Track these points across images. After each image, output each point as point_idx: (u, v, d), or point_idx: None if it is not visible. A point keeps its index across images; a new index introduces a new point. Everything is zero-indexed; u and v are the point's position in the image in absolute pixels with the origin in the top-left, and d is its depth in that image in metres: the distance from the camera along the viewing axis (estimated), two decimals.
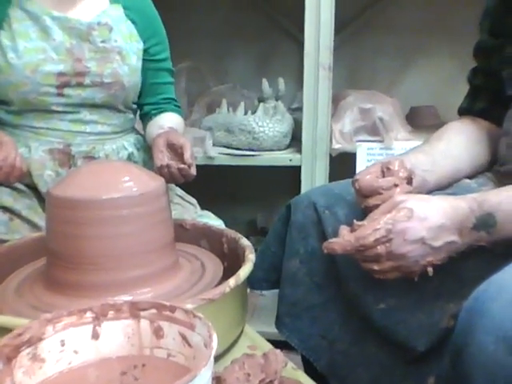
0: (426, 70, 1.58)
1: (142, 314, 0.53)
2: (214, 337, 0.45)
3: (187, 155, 0.87)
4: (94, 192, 0.68)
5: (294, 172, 1.25)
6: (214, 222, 0.99)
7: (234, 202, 1.47)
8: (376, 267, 0.61)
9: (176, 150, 0.90)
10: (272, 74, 1.40)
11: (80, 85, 0.95)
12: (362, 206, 0.68)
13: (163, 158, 0.90)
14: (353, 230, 0.62)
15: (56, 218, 0.71)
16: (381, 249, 0.59)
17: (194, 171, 0.89)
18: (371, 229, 0.59)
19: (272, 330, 0.84)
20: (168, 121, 1.04)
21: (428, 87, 1.59)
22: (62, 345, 0.51)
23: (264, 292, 1.46)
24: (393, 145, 1.22)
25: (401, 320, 0.68)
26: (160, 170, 0.89)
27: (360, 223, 0.62)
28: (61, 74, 0.93)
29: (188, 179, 0.90)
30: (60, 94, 0.94)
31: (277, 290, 1.42)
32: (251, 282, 0.81)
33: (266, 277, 0.86)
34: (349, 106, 1.23)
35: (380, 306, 0.70)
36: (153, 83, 1.07)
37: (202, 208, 1.10)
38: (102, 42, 0.96)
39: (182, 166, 0.88)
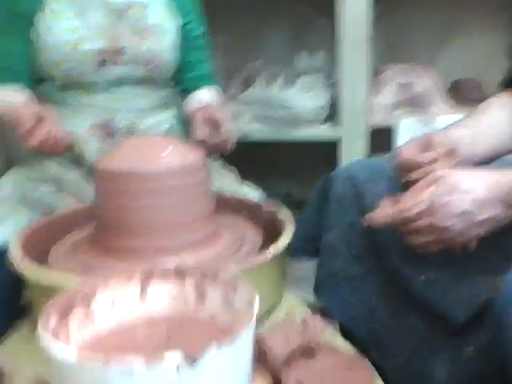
0: (468, 43, 1.53)
1: (187, 277, 0.55)
2: (256, 299, 0.47)
3: (225, 130, 0.89)
4: (136, 165, 0.71)
5: (332, 147, 1.25)
6: (253, 193, 1.01)
7: (270, 175, 1.47)
8: (418, 240, 0.61)
9: (214, 124, 0.92)
10: (310, 48, 1.39)
11: (119, 62, 0.97)
12: (403, 180, 0.68)
13: (201, 131, 0.91)
14: (395, 203, 0.62)
15: (102, 189, 0.74)
16: (424, 222, 0.59)
17: (230, 146, 0.90)
18: (414, 201, 0.59)
19: (310, 297, 0.85)
20: (206, 96, 1.05)
21: (470, 61, 1.53)
22: (112, 304, 0.53)
23: (301, 262, 1.47)
24: (434, 119, 1.19)
25: (441, 292, 0.68)
26: (198, 144, 0.91)
27: (402, 196, 0.62)
28: (100, 52, 0.95)
29: (224, 153, 0.92)
30: (100, 71, 0.97)
31: (314, 261, 1.44)
32: (291, 251, 0.82)
33: (304, 247, 0.87)
34: (388, 80, 1.21)
35: (420, 278, 0.70)
36: (190, 59, 1.08)
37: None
38: (139, 19, 0.97)
39: (220, 140, 0.89)
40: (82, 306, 0.51)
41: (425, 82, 1.19)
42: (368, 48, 1.14)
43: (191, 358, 0.38)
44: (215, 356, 0.39)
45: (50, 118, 0.86)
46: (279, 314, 0.74)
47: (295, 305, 0.79)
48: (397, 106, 1.19)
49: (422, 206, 0.59)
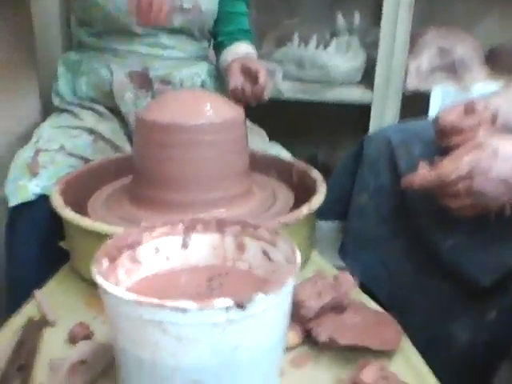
0: (508, 10, 1.47)
1: (227, 229, 0.57)
2: (298, 252, 0.49)
3: (262, 78, 0.89)
4: (180, 118, 0.72)
5: (363, 110, 1.24)
6: (283, 153, 1.02)
7: (297, 136, 1.47)
8: (454, 204, 0.62)
9: (250, 74, 0.92)
10: (346, 7, 1.35)
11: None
12: (443, 145, 0.68)
13: (238, 80, 0.92)
14: (432, 167, 0.63)
15: (143, 140, 0.75)
16: (462, 186, 0.60)
17: (267, 95, 0.90)
18: (454, 166, 0.60)
19: (331, 261, 0.86)
20: (243, 49, 1.05)
21: (509, 28, 1.48)
22: (157, 251, 0.56)
23: (323, 226, 1.49)
24: (470, 87, 1.17)
25: (468, 256, 0.70)
26: (234, 92, 0.92)
27: (441, 159, 0.62)
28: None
29: (261, 102, 0.92)
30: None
31: (334, 225, 1.45)
32: (317, 212, 0.84)
33: (332, 208, 0.88)
34: (427, 43, 1.18)
35: (448, 242, 0.71)
36: (228, 12, 1.08)
37: (269, 140, 1.13)
38: None
39: (256, 88, 0.89)
40: (129, 252, 0.54)
41: (465, 47, 1.16)
42: (410, 10, 1.11)
43: (241, 302, 0.40)
44: (262, 302, 0.42)
45: None
46: (308, 273, 0.76)
47: (323, 264, 0.82)
48: (434, 70, 1.17)
49: (462, 171, 0.59)
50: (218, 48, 1.11)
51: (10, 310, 0.85)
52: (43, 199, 0.82)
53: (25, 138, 0.95)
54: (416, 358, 0.59)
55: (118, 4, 0.94)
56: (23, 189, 0.82)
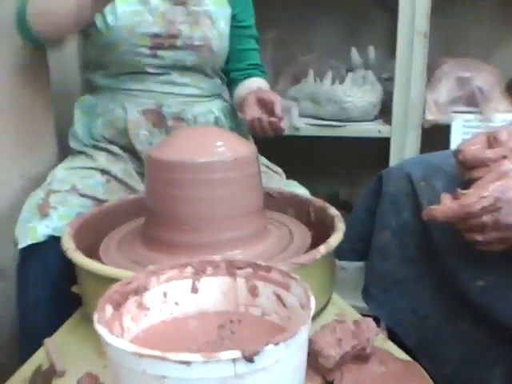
0: None
1: (238, 272, 0.54)
2: (312, 298, 0.46)
3: (278, 109, 0.89)
4: (189, 155, 0.71)
5: (382, 144, 1.21)
6: (300, 191, 0.99)
7: (316, 173, 1.45)
8: (480, 238, 0.58)
9: (266, 105, 0.93)
10: (361, 42, 1.35)
11: (172, 47, 0.98)
12: (466, 178, 0.64)
13: (254, 111, 0.91)
14: (455, 198, 0.59)
15: (154, 179, 0.74)
16: (487, 218, 0.56)
17: (284, 125, 0.90)
18: (478, 196, 0.56)
19: (354, 303, 0.83)
20: (256, 83, 1.06)
21: None
22: (165, 296, 0.54)
23: (346, 266, 1.45)
24: (493, 117, 1.13)
25: (500, 298, 0.65)
26: (251, 124, 0.91)
27: (464, 191, 0.58)
28: (155, 36, 0.96)
29: (278, 133, 0.92)
30: (153, 55, 0.98)
31: (359, 264, 1.40)
32: (337, 252, 0.80)
33: (353, 248, 0.85)
34: (445, 74, 1.16)
35: (478, 282, 0.66)
36: (239, 49, 1.09)
37: (287, 178, 1.11)
38: (194, 5, 0.99)
39: (273, 119, 0.89)
40: (135, 298, 0.51)
41: (484, 76, 1.14)
42: (426, 42, 1.09)
43: (249, 354, 0.37)
44: (272, 354, 0.38)
45: None
46: (329, 316, 0.72)
47: (344, 306, 0.77)
48: (453, 102, 1.14)
49: (486, 202, 0.55)
50: (231, 85, 1.12)
51: (21, 352, 0.83)
52: (54, 240, 0.81)
53: (41, 182, 0.95)
54: None
55: (133, 44, 0.95)
56: (32, 230, 0.82)
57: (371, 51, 1.22)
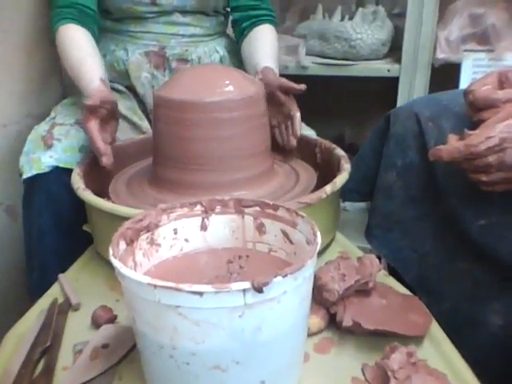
0: None
1: (246, 210, 0.55)
2: (318, 233, 0.47)
3: (297, 128, 0.86)
4: (197, 95, 0.70)
5: (390, 84, 1.19)
6: (307, 131, 0.99)
7: (322, 114, 1.43)
8: (484, 178, 0.58)
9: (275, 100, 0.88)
10: None
11: None
12: (475, 119, 0.63)
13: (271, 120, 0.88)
14: (462, 139, 0.59)
15: (162, 118, 0.74)
16: (492, 158, 0.56)
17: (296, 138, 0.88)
18: (484, 136, 0.56)
19: (355, 243, 0.84)
20: (262, 54, 0.96)
21: None
22: (175, 233, 0.55)
23: (348, 207, 1.47)
24: (504, 56, 1.10)
25: (501, 236, 0.66)
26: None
27: (471, 132, 0.58)
28: None
29: (287, 147, 0.89)
30: (153, 3, 0.95)
31: (361, 205, 1.42)
32: (342, 192, 0.81)
33: (357, 188, 0.86)
34: (458, 10, 1.11)
35: (480, 221, 0.68)
36: None
37: None
38: None
39: (292, 139, 0.87)
40: (147, 235, 0.53)
41: (499, 12, 1.09)
42: None
43: (258, 285, 0.39)
44: (281, 285, 0.40)
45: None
46: (332, 253, 0.74)
47: (347, 245, 0.79)
48: (465, 39, 1.10)
49: (492, 142, 0.55)
50: (236, 28, 1.06)
51: (28, 280, 0.86)
52: (58, 171, 0.82)
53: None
54: (446, 343, 0.57)
55: None
56: (37, 161, 0.82)
57: None
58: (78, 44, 0.87)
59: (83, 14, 0.90)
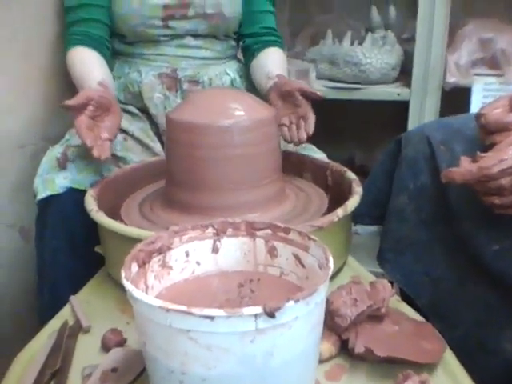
0: None
1: (258, 233, 0.55)
2: (330, 258, 0.47)
3: (310, 127, 0.88)
4: (210, 118, 0.71)
5: (400, 108, 1.20)
6: (318, 155, 0.99)
7: (333, 137, 1.44)
8: (497, 201, 0.58)
9: (288, 99, 0.91)
10: (381, 1, 1.31)
11: (184, 17, 0.97)
12: (487, 142, 0.64)
13: (283, 120, 0.90)
14: (475, 162, 0.59)
15: (174, 141, 0.75)
16: (505, 181, 0.56)
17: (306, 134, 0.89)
18: (497, 159, 0.56)
19: (367, 267, 0.83)
20: (273, 65, 1.00)
21: None
22: (187, 255, 0.55)
23: (359, 231, 1.46)
24: None
25: None
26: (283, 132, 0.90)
27: (484, 154, 0.58)
28: (166, 7, 0.96)
29: (298, 144, 0.91)
30: (165, 26, 0.98)
31: (373, 229, 1.41)
32: (353, 216, 0.81)
33: (369, 212, 0.85)
34: (467, 35, 1.12)
35: (493, 247, 0.67)
36: (252, 11, 1.06)
37: None
38: None
39: (304, 135, 0.88)
40: (159, 257, 0.53)
41: (508, 37, 1.10)
42: (448, 1, 1.06)
43: (270, 310, 0.38)
44: (292, 310, 0.40)
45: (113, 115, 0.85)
46: (344, 278, 0.73)
47: (359, 269, 0.79)
48: (474, 64, 1.11)
49: (506, 164, 0.55)
50: (246, 53, 1.09)
51: (39, 301, 0.86)
52: (71, 192, 0.83)
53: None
54: (459, 371, 0.55)
55: (144, 16, 0.95)
56: (51, 182, 0.83)
57: (392, 11, 1.18)
58: (83, 60, 0.93)
59: (93, 39, 0.94)
